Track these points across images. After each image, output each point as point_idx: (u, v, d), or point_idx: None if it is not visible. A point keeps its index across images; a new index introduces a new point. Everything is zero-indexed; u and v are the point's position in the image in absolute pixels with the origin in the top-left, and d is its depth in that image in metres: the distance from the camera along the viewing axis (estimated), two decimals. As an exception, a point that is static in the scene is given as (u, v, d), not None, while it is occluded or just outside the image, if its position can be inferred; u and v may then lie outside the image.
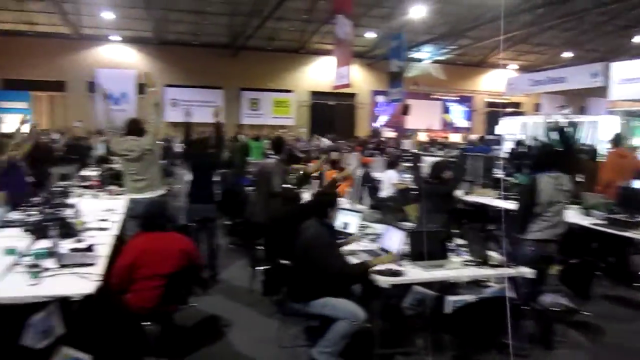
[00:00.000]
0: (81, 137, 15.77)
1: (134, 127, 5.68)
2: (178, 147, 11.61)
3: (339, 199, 4.81)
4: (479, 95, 25.64)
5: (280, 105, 22.60)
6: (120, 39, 20.69)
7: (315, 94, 22.95)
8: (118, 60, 20.88)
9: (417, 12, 16.05)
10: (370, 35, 20.36)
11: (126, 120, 5.81)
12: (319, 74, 22.60)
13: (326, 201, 4.35)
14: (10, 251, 3.91)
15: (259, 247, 5.54)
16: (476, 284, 4.28)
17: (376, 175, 8.65)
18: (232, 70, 21.45)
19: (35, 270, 3.42)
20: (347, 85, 13.13)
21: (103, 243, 4.26)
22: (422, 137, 20.99)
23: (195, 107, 20.88)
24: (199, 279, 4.32)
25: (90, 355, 3.29)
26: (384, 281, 3.82)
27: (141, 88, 20.86)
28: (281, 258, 4.38)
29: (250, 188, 7.75)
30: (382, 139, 19.36)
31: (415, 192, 6.76)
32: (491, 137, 18.97)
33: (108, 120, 5.96)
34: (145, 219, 4.02)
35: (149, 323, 3.80)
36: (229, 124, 20.85)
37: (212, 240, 6.01)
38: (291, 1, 15.33)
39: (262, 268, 5.03)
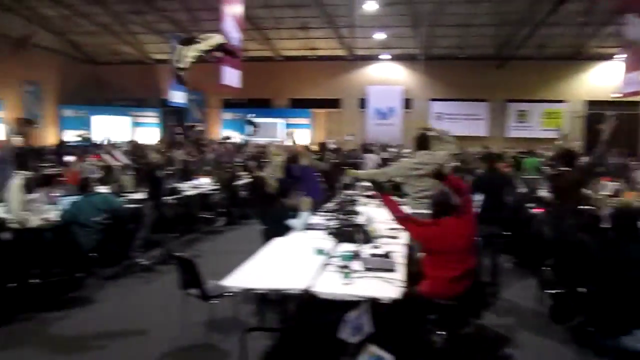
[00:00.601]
0: (353, 150, 17.06)
1: (423, 141, 5.78)
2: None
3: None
4: None
5: (550, 117, 21.03)
6: (389, 57, 21.84)
7: (592, 103, 20.80)
8: (386, 77, 22.04)
9: None
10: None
11: (417, 135, 5.95)
12: (597, 81, 20.45)
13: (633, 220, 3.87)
14: (321, 251, 4.39)
15: (546, 268, 5.20)
16: None
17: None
18: (498, 81, 20.78)
19: (347, 271, 3.76)
20: (638, 93, 11.59)
21: (397, 251, 4.49)
22: None
23: (461, 120, 21.03)
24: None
25: (393, 356, 3.47)
26: None
27: (407, 103, 21.71)
28: (576, 282, 4.04)
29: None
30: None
31: None
32: None
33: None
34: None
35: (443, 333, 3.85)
36: (494, 138, 20.31)
37: (496, 257, 5.85)
38: (566, 5, 14.20)
39: (552, 292, 4.72)
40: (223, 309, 4.65)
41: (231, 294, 4.22)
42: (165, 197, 7.77)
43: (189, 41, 8.47)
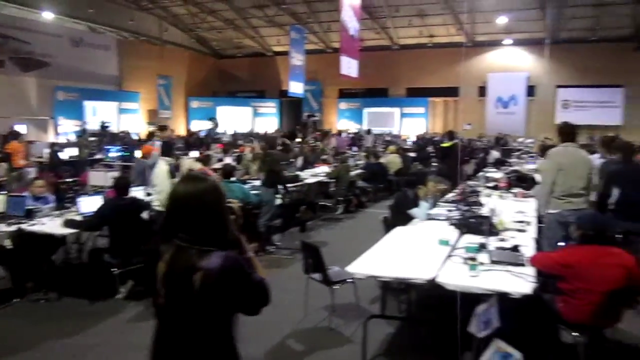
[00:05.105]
0: (472, 140, 16.53)
1: (570, 132, 5.31)
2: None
3: None
4: None
5: (698, 103, 18.93)
6: (511, 42, 20.82)
7: None
8: (508, 64, 21.05)
9: None
10: None
11: (561, 125, 5.49)
12: None
13: None
14: (445, 242, 4.33)
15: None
16: None
17: None
18: (636, 65, 18.97)
19: (473, 264, 3.67)
20: None
21: (526, 245, 4.31)
22: None
23: (591, 108, 19.57)
24: (635, 297, 3.91)
25: (521, 354, 3.34)
26: None
27: (531, 90, 20.61)
28: None
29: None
30: None
31: None
32: None
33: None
34: (589, 231, 3.79)
35: (577, 334, 3.64)
36: (631, 127, 18.66)
37: (636, 256, 5.40)
38: None
39: None
40: (345, 295, 4.74)
41: (352, 280, 4.29)
42: (286, 185, 8.04)
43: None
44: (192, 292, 1.71)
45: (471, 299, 3.45)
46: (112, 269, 5.17)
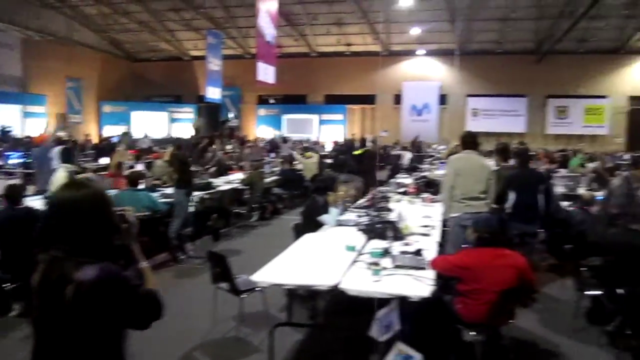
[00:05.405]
0: (387, 146, 16.93)
1: (471, 140, 5.60)
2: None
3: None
4: None
5: (592, 113, 20.43)
6: (425, 52, 21.61)
7: (636, 99, 20.14)
8: (422, 73, 21.83)
9: None
10: None
11: (463, 134, 5.78)
12: (642, 76, 19.83)
13: None
14: (351, 248, 4.37)
15: (585, 269, 5.04)
16: None
17: None
18: (537, 76, 20.31)
19: (376, 269, 3.73)
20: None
21: (429, 249, 4.44)
22: None
23: (498, 116, 20.68)
24: (527, 296, 4.13)
25: (422, 355, 3.43)
26: None
27: (443, 99, 21.47)
28: (619, 284, 3.91)
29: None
30: None
31: None
32: None
33: None
34: (483, 234, 3.95)
35: (474, 333, 3.78)
36: (533, 134, 19.89)
37: (530, 256, 5.72)
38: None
39: (591, 293, 4.59)
40: (254, 303, 4.68)
41: (261, 289, 4.24)
42: (198, 192, 7.87)
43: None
44: (64, 305, 1.61)
45: (382, 304, 3.50)
46: (3, 285, 4.82)
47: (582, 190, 7.65)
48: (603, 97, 20.35)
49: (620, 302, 4.00)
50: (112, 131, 20.54)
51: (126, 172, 8.36)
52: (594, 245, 4.84)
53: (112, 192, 6.49)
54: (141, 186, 7.02)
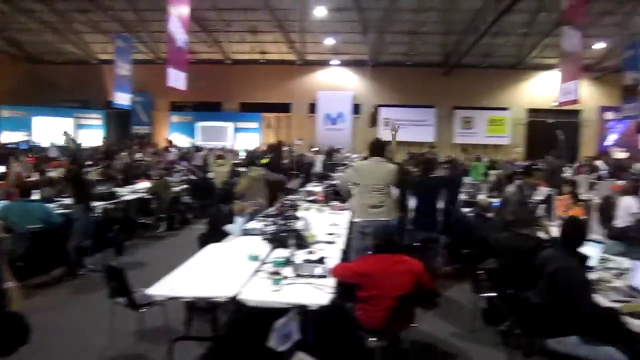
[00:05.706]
0: (302, 154, 17.02)
1: (377, 147, 5.62)
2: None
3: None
4: None
5: (495, 124, 21.64)
6: (339, 62, 21.97)
7: (533, 111, 21.56)
8: (336, 83, 22.15)
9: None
10: (599, 45, 18.45)
11: (372, 141, 5.80)
12: (538, 90, 21.22)
13: (578, 231, 3.95)
14: (254, 257, 4.33)
15: (481, 272, 5.28)
16: None
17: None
18: (445, 88, 21.25)
19: (277, 278, 3.71)
20: (575, 102, 12.02)
21: (332, 256, 4.48)
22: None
23: (408, 126, 21.34)
24: (427, 300, 4.26)
25: (322, 363, 3.44)
26: None
27: (356, 108, 21.91)
28: (510, 286, 4.12)
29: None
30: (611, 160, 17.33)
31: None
32: None
33: None
34: (380, 241, 4.03)
35: (375, 339, 3.85)
36: (441, 144, 20.73)
37: (432, 261, 5.93)
38: (509, 16, 14.67)
39: (486, 295, 4.81)
40: (155, 318, 4.51)
41: (160, 302, 4.10)
42: (97, 202, 7.51)
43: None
44: None
45: (279, 314, 3.46)
46: None
47: (481, 197, 8.04)
48: (505, 109, 21.61)
49: (510, 303, 4.21)
50: (11, 137, 19.23)
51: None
52: (490, 249, 5.09)
53: (1, 204, 6.06)
54: (35, 197, 6.60)
